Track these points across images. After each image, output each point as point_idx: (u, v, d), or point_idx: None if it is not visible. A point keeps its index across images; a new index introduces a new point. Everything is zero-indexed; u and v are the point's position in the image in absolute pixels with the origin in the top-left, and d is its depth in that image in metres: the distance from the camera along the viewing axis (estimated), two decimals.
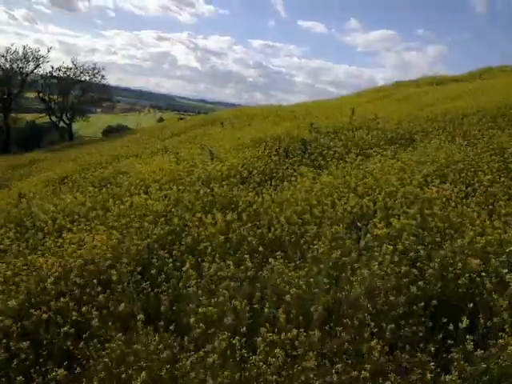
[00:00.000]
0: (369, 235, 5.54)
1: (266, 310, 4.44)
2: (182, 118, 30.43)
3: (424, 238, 5.40)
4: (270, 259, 5.32)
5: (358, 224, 5.91)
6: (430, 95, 19.46)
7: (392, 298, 4.33)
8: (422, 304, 4.23)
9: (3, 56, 41.67)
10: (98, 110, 61.39)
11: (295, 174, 8.80)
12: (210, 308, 4.50)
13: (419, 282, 4.51)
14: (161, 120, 62.29)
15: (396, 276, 4.66)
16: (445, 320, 4.01)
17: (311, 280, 4.75)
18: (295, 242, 5.72)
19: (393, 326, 4.04)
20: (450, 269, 4.63)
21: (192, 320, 4.35)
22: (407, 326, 4.07)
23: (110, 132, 48.63)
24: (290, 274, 4.88)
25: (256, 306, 4.53)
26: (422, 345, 3.86)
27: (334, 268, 4.96)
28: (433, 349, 3.75)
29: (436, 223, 5.72)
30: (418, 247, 5.09)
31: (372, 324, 4.06)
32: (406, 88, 26.58)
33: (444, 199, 6.45)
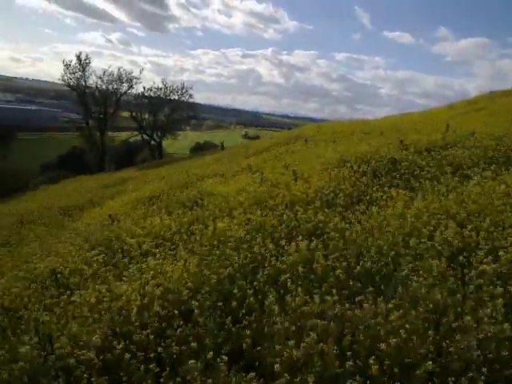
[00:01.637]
0: (474, 271, 4.91)
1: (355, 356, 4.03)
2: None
3: None
4: (359, 296, 4.87)
5: (461, 258, 5.27)
6: None
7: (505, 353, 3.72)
8: None
9: (100, 78, 44.86)
10: (187, 127, 63.60)
11: (385, 196, 8.24)
12: (294, 351, 4.16)
13: None
14: (246, 136, 63.30)
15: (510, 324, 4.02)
16: None
17: (408, 325, 4.25)
18: (388, 277, 5.21)
19: None
20: None
21: (277, 365, 4.01)
22: None
23: (198, 149, 50.14)
24: (383, 316, 4.39)
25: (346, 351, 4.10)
26: None
27: (434, 311, 4.41)
28: None
29: None
30: None
31: None
32: (503, 99, 24.70)
33: None
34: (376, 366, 3.76)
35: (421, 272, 5.10)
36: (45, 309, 6.28)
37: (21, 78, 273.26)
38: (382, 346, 3.97)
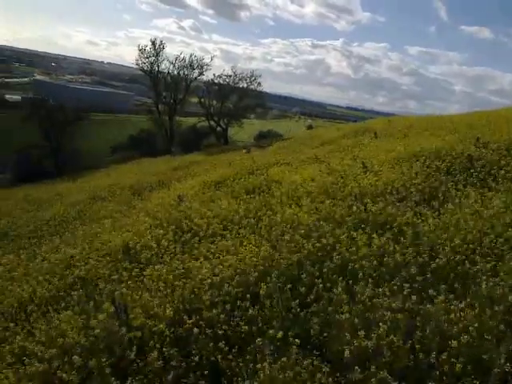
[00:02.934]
0: None
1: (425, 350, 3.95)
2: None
3: None
4: (432, 292, 4.76)
5: None
6: None
7: None
8: None
9: (172, 63, 45.79)
10: (252, 115, 63.68)
11: (460, 194, 7.94)
12: (363, 340, 4.14)
13: None
14: (310, 127, 62.61)
15: None
16: None
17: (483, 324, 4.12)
18: (463, 276, 5.06)
19: None
20: None
21: (347, 353, 4.02)
22: None
23: (262, 138, 50.17)
24: (457, 314, 4.28)
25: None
26: None
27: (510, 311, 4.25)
28: None
29: None
30: None
31: None
32: None
33: None
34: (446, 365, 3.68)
35: (499, 273, 4.91)
36: (119, 281, 6.59)
37: (96, 61, 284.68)
38: (454, 342, 3.88)
